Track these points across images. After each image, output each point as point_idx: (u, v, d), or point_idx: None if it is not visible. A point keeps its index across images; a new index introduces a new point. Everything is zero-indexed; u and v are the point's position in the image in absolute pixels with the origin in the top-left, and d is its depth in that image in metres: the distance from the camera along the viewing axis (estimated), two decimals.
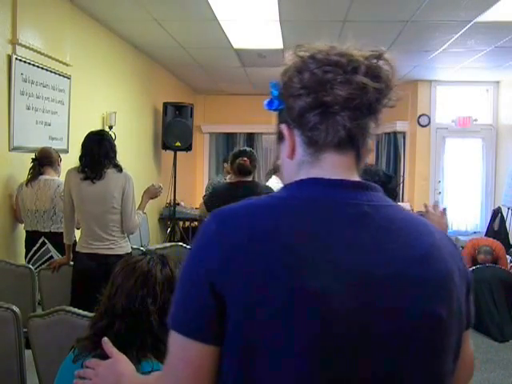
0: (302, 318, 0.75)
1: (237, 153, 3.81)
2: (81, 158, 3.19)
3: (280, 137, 0.93)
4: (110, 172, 3.16)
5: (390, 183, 1.95)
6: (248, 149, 3.91)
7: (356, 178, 0.88)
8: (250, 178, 3.76)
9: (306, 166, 0.88)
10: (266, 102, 0.94)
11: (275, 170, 5.07)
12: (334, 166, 0.87)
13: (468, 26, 4.71)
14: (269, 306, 0.76)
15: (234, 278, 0.77)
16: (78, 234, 3.42)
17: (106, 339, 1.19)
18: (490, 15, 4.38)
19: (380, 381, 0.79)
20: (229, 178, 3.85)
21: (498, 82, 7.56)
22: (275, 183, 4.59)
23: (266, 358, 0.76)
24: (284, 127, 0.90)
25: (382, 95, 0.86)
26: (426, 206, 2.08)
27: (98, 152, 3.14)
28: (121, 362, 1.16)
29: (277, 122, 0.94)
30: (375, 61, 0.86)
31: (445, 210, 2.07)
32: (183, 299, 0.82)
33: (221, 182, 5.68)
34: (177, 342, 0.82)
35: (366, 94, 0.84)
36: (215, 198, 3.80)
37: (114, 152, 3.22)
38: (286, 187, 0.89)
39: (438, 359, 0.82)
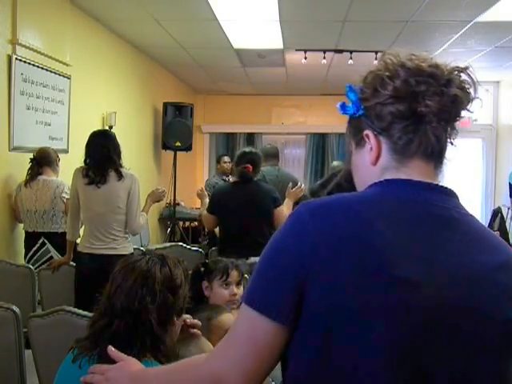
0: (388, 307, 0.78)
1: (241, 155, 3.78)
2: (85, 160, 3.20)
3: (359, 143, 0.94)
4: (114, 176, 3.17)
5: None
6: (254, 151, 3.86)
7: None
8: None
9: (391, 170, 0.91)
10: (339, 105, 0.94)
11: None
12: (421, 173, 0.90)
13: (468, 26, 4.70)
14: (356, 295, 0.79)
15: (323, 267, 0.80)
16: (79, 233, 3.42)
17: (110, 348, 1.15)
18: (490, 15, 4.37)
19: (455, 380, 0.81)
20: (232, 178, 3.89)
21: (498, 82, 7.55)
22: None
23: (345, 344, 0.79)
24: (370, 134, 0.91)
25: (466, 107, 0.90)
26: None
27: (101, 156, 3.15)
28: (131, 363, 1.12)
29: (352, 126, 0.95)
30: (462, 74, 0.90)
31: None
32: (266, 278, 0.85)
33: (218, 183, 5.70)
34: (247, 318, 0.84)
35: (456, 106, 0.88)
36: (217, 196, 3.84)
37: (118, 154, 3.22)
38: (375, 185, 0.91)
39: (507, 363, 0.85)
